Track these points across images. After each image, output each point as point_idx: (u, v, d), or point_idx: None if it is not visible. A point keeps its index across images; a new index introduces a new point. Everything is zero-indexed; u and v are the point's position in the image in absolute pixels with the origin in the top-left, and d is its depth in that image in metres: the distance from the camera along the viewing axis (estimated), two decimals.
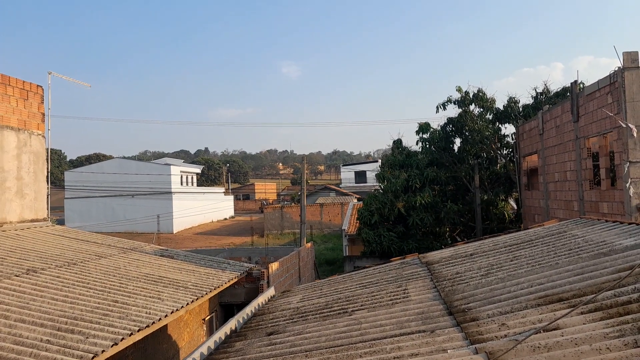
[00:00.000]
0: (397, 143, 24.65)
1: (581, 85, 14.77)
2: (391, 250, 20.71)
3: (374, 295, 6.06)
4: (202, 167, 78.78)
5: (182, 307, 8.43)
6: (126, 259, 11.52)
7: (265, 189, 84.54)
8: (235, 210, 69.11)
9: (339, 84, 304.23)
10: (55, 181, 66.27)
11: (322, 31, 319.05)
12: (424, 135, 23.65)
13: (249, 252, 19.99)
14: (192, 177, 63.22)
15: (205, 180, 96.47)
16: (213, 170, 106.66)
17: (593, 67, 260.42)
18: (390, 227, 21.81)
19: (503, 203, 22.81)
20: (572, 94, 13.66)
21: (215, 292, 10.26)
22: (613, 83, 11.10)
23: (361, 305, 5.71)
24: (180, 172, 58.22)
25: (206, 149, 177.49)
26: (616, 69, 11.00)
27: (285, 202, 60.81)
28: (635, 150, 10.51)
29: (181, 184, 56.95)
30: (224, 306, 12.82)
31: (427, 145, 23.56)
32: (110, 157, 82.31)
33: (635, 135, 10.44)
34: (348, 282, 7.67)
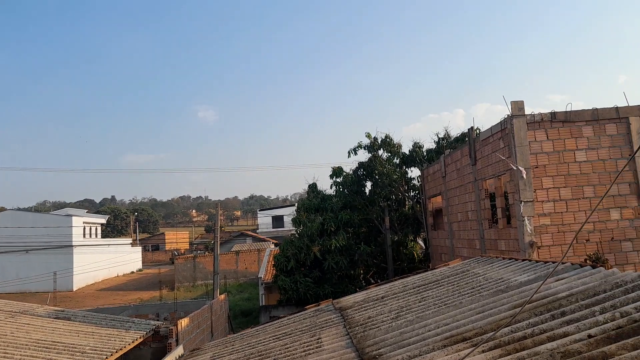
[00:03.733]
0: (312, 187, 24.96)
1: (477, 131, 16.01)
2: (307, 296, 20.50)
3: (288, 348, 5.88)
4: (107, 216, 74.13)
5: None
6: (14, 323, 10.32)
7: (177, 239, 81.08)
8: (143, 262, 65.28)
9: (256, 129, 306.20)
10: None
11: (240, 76, 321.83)
12: (338, 179, 24.19)
13: (157, 308, 18.77)
14: (96, 228, 59.15)
15: (111, 231, 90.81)
16: (120, 219, 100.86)
17: (490, 113, 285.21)
18: (306, 272, 21.68)
19: (412, 243, 23.66)
20: (469, 139, 14.74)
21: (117, 355, 9.43)
22: (504, 129, 12.15)
23: (274, 359, 5.50)
24: (83, 223, 54.29)
25: (113, 197, 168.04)
26: (506, 116, 12.09)
27: (199, 252, 58.61)
28: (526, 190, 11.47)
29: (84, 236, 53.00)
30: None
31: (341, 189, 24.08)
32: (3, 209, 74.97)
33: (524, 176, 11.42)
34: (261, 335, 7.41)
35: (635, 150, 11.36)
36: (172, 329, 11.63)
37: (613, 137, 11.65)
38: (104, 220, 65.00)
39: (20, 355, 8.08)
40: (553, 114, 11.79)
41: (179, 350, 7.49)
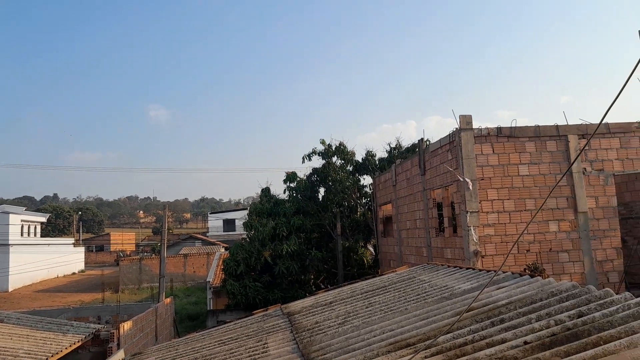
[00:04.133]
0: (265, 191, 24.82)
1: (427, 142, 16.45)
2: (257, 301, 20.32)
3: (233, 353, 5.80)
4: (48, 215, 70.67)
5: None
6: None
7: (123, 240, 78.33)
8: (86, 263, 62.64)
9: (210, 131, 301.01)
10: None
11: (195, 77, 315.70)
12: (291, 184, 24.19)
13: (98, 311, 18.04)
14: (35, 227, 56.28)
15: (52, 230, 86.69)
16: (62, 219, 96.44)
17: (441, 126, 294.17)
18: (256, 277, 21.49)
19: (363, 249, 23.96)
20: (419, 149, 15.13)
21: (53, 359, 9.00)
22: (452, 142, 12.55)
23: None
24: (21, 221, 51.52)
25: (55, 195, 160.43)
26: (454, 129, 12.49)
27: (145, 254, 56.82)
28: (471, 201, 11.88)
29: (21, 235, 50.32)
30: None
31: (294, 194, 24.08)
32: None
33: (470, 188, 11.83)
34: (207, 339, 7.28)
35: (569, 166, 12.01)
36: (113, 333, 11.21)
37: (553, 154, 12.27)
38: (44, 219, 61.94)
39: None
40: (499, 129, 12.28)
41: (120, 355, 7.24)
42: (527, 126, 12.45)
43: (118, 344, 11.01)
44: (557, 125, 12.40)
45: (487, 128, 12.29)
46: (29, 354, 8.63)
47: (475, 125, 12.18)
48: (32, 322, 11.32)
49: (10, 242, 45.11)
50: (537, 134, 12.31)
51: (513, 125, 12.39)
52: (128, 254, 64.51)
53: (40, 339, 9.80)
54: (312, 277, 23.18)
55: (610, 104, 3.47)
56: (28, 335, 10.07)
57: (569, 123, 12.52)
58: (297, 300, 8.72)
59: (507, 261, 11.37)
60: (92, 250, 75.04)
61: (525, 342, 3.50)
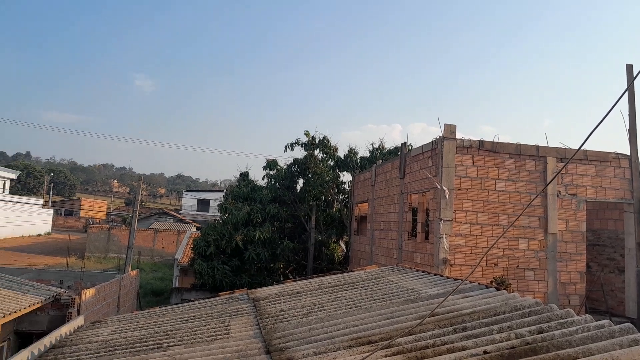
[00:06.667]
0: (244, 175, 24.69)
1: (410, 147, 16.57)
2: (223, 284, 20.26)
3: (195, 331, 5.79)
4: (19, 173, 69.03)
5: None
6: None
7: (94, 207, 77.00)
8: (53, 226, 61.45)
9: (193, 108, 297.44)
10: None
11: (184, 50, 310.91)
12: (271, 172, 24.12)
13: (61, 275, 17.73)
14: (4, 183, 54.95)
15: (21, 188, 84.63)
16: (33, 178, 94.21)
17: (425, 133, 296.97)
18: (225, 260, 21.41)
19: (335, 245, 24.07)
20: (401, 153, 15.24)
21: (10, 317, 8.84)
22: (434, 149, 12.68)
23: (178, 341, 5.39)
24: None
25: (28, 153, 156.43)
26: (438, 137, 12.61)
27: (115, 224, 56.01)
28: (447, 209, 12.04)
29: None
30: (22, 335, 11.07)
31: (273, 182, 24.02)
32: None
33: (447, 196, 11.98)
34: (170, 315, 7.24)
35: (544, 187, 12.26)
36: (74, 298, 11.05)
37: (531, 173, 12.51)
38: (14, 176, 60.54)
39: None
40: (481, 142, 12.45)
41: (79, 321, 7.14)
42: (509, 143, 12.65)
43: (78, 310, 10.87)
44: (537, 146, 12.63)
45: (470, 140, 12.45)
46: None
47: (458, 136, 12.32)
48: None
49: None
50: (518, 151, 12.52)
51: (495, 140, 12.58)
52: (97, 221, 63.50)
53: None
54: (281, 266, 23.22)
55: (589, 132, 3.59)
56: None
57: (549, 145, 12.76)
58: (265, 287, 8.73)
59: (475, 273, 11.58)
60: (60, 214, 73.59)
61: (485, 352, 3.58)
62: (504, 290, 5.38)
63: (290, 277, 21.94)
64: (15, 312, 8.88)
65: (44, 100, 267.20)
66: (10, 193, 57.84)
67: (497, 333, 3.96)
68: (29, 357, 5.33)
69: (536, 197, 12.13)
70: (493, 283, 9.00)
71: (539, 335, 3.75)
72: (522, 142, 12.63)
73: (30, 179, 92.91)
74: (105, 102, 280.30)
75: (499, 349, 3.59)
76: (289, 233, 23.33)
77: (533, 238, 12.30)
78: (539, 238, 12.32)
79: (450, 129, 12.28)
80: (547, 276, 12.23)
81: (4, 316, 8.38)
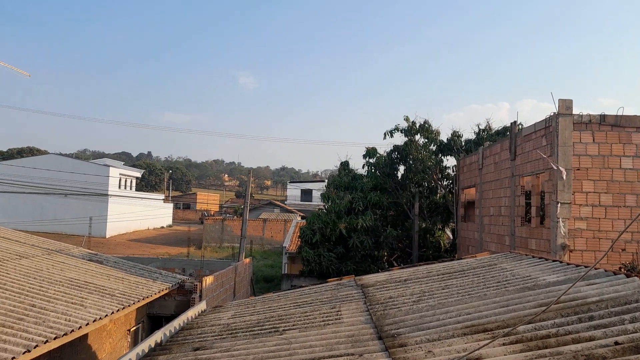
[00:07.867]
0: (344, 165, 24.97)
1: (520, 126, 15.59)
2: (329, 270, 20.76)
3: (307, 315, 6.01)
4: (142, 171, 76.19)
5: (107, 315, 8.02)
6: (50, 261, 10.86)
7: (208, 200, 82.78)
8: (173, 219, 67.15)
9: (295, 101, 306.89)
10: None
11: (285, 47, 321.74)
12: (371, 160, 24.11)
13: (183, 264, 19.36)
14: (131, 181, 60.99)
15: (145, 185, 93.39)
16: (154, 175, 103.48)
17: (535, 110, 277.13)
18: (330, 247, 21.89)
19: (440, 232, 23.50)
20: (511, 133, 14.39)
21: (144, 302, 9.85)
22: (548, 127, 11.80)
23: (293, 325, 5.64)
24: (120, 174, 56.07)
25: (149, 152, 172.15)
26: (552, 114, 11.72)
27: (227, 215, 59.76)
28: (564, 192, 11.18)
29: (119, 187, 54.79)
30: (153, 318, 12.31)
31: (373, 170, 24.00)
32: (46, 152, 78.08)
33: (564, 177, 11.11)
34: (283, 300, 7.58)
35: None
36: (196, 285, 12.03)
37: None
38: (139, 174, 66.86)
39: (55, 290, 8.52)
40: (602, 117, 11.36)
41: (202, 306, 7.76)
42: (636, 115, 11.39)
43: (200, 296, 11.81)
44: None
45: (589, 115, 11.41)
46: (124, 294, 9.49)
47: (575, 111, 11.35)
48: (126, 267, 12.40)
49: (109, 193, 49.31)
50: None
51: (619, 113, 11.39)
52: (212, 213, 68.23)
53: (133, 283, 10.73)
54: (385, 254, 23.19)
55: None
56: (123, 278, 11.05)
57: None
58: (371, 274, 8.79)
59: (599, 258, 10.65)
60: (179, 208, 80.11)
61: (616, 343, 3.30)
62: (636, 277, 4.90)
63: (395, 264, 21.85)
64: (148, 297, 9.87)
65: (158, 104, 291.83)
66: (136, 190, 64.12)
67: (630, 323, 3.63)
68: (163, 337, 5.91)
69: None
70: (622, 269, 8.24)
71: None
72: None
73: (152, 177, 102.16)
74: (213, 101, 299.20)
75: (633, 340, 3.30)
76: (392, 221, 23.18)
77: None
78: None
79: (565, 104, 11.35)
80: None
81: (139, 301, 9.35)
